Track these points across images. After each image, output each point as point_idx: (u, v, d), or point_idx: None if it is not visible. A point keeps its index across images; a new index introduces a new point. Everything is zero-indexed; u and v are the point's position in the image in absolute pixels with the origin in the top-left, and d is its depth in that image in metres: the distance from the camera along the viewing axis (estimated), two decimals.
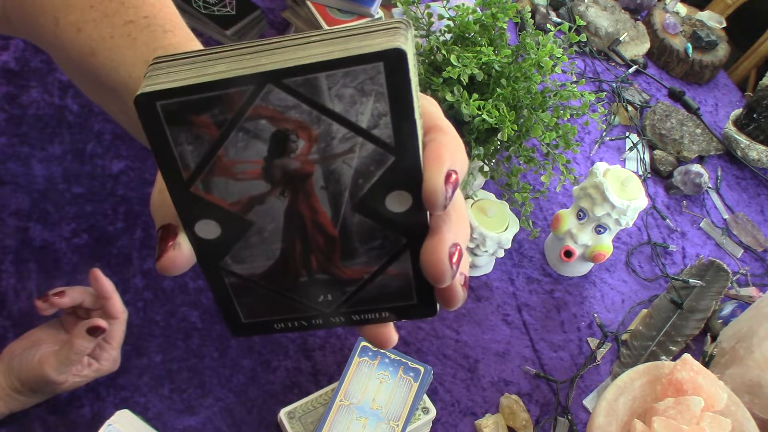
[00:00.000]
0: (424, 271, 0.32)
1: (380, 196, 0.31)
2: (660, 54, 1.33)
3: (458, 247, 0.32)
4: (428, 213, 0.32)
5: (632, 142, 1.16)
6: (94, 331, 0.64)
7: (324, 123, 0.29)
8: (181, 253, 0.32)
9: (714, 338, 0.91)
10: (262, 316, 0.36)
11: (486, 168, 0.86)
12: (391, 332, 0.36)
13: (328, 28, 0.31)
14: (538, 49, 0.82)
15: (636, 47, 1.30)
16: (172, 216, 0.32)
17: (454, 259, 0.32)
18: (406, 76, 0.28)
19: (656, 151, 1.16)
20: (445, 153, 0.31)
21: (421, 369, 0.75)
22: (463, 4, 0.85)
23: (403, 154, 0.30)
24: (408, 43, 0.28)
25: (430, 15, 0.87)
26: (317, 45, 0.28)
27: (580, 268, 0.96)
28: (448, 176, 0.30)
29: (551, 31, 0.86)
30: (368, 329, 0.37)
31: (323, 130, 0.29)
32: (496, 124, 0.78)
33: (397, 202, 0.31)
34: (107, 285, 0.67)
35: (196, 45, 0.46)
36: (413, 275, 0.34)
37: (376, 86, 0.28)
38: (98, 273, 0.67)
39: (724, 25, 1.40)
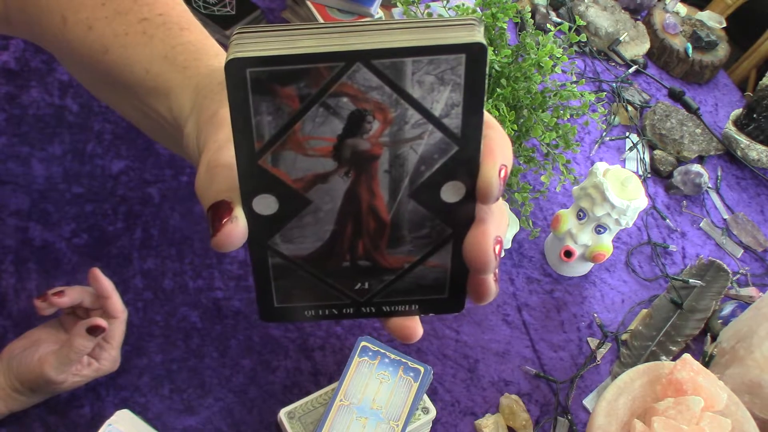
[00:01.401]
0: (468, 259, 0.33)
1: (437, 184, 0.32)
2: (660, 54, 1.33)
3: (500, 239, 0.33)
4: (475, 206, 0.33)
5: (632, 142, 1.16)
6: (94, 331, 0.64)
7: (401, 107, 0.30)
8: (238, 226, 0.32)
9: (714, 338, 0.91)
10: (295, 302, 0.36)
11: None
12: (417, 325, 0.37)
13: (405, 18, 0.32)
14: (538, 49, 0.82)
15: (636, 47, 1.30)
16: (223, 192, 0.32)
17: (497, 250, 0.33)
18: (483, 70, 0.29)
19: (656, 151, 1.16)
20: (497, 148, 0.32)
21: (421, 369, 0.75)
22: (463, 4, 0.85)
23: (467, 145, 0.31)
24: (484, 39, 0.29)
25: (430, 15, 0.87)
26: (399, 32, 0.28)
27: (580, 268, 0.96)
28: (499, 170, 0.31)
29: (551, 31, 0.86)
30: (395, 322, 0.37)
31: (399, 113, 0.30)
32: None
33: (451, 192, 0.32)
34: (107, 284, 0.67)
35: (212, 42, 0.46)
36: (450, 268, 0.35)
37: (454, 77, 0.29)
38: (98, 272, 0.67)
39: (724, 25, 1.40)
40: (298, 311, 0.36)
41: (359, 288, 0.36)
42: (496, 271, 0.35)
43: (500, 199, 0.34)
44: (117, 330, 0.69)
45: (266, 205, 0.32)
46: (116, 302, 0.68)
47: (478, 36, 0.28)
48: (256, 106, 0.29)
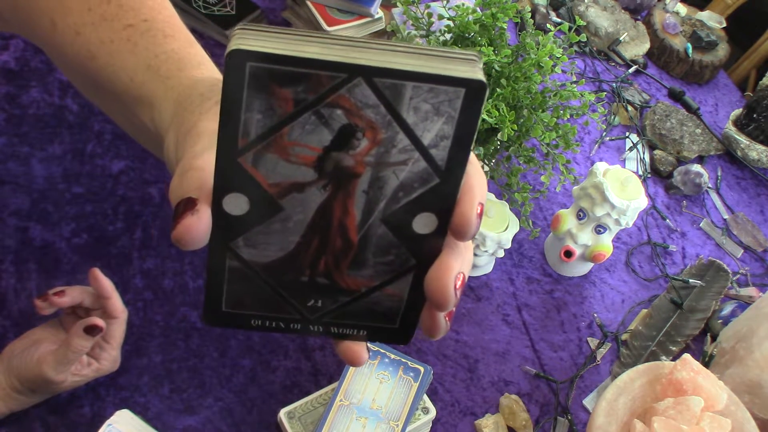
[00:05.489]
0: (429, 293, 0.33)
1: (411, 213, 0.32)
2: (660, 54, 1.33)
3: (463, 275, 0.33)
4: (444, 241, 0.33)
5: (632, 142, 1.16)
6: (92, 330, 0.64)
7: (392, 129, 0.29)
8: (200, 220, 0.31)
9: (714, 338, 0.91)
10: (244, 309, 0.35)
11: (486, 168, 0.86)
12: (364, 350, 0.37)
13: (409, 43, 0.32)
14: (538, 49, 0.82)
15: (636, 47, 1.30)
16: (192, 191, 0.32)
17: (458, 287, 0.32)
18: (479, 109, 0.29)
19: (656, 151, 1.16)
20: (476, 186, 0.32)
21: (421, 369, 0.75)
22: (463, 4, 0.85)
23: (448, 180, 0.31)
24: (484, 77, 0.29)
25: (430, 15, 0.87)
26: (402, 55, 0.28)
27: (580, 268, 0.96)
28: (477, 208, 0.31)
29: (551, 31, 0.86)
30: (342, 344, 0.37)
31: (389, 136, 0.30)
32: (496, 124, 0.78)
33: (423, 224, 0.32)
34: (107, 284, 0.67)
35: (197, 49, 0.46)
36: (407, 299, 0.35)
37: (450, 109, 0.29)
38: (98, 272, 0.66)
39: (724, 25, 1.40)
40: (244, 318, 0.36)
41: (312, 305, 0.35)
42: (454, 308, 0.35)
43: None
44: (117, 330, 0.69)
45: (237, 205, 0.31)
46: (116, 302, 0.68)
47: (479, 73, 0.28)
48: (249, 101, 0.28)
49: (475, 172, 0.32)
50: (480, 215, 0.32)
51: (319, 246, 0.33)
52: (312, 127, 0.29)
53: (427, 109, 0.29)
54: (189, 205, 0.31)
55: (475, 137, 0.30)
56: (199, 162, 0.34)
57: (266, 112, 0.29)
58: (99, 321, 0.64)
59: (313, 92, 0.28)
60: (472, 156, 0.33)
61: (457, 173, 0.31)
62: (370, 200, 0.31)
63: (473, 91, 0.28)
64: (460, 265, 0.33)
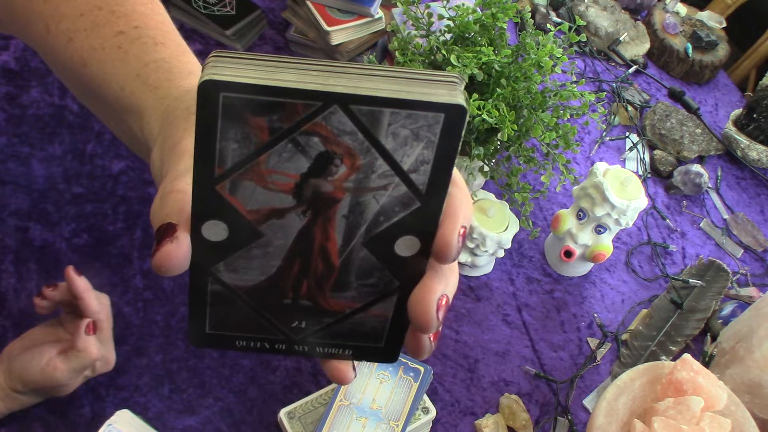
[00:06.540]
0: (411, 316, 0.33)
1: (393, 237, 0.32)
2: (660, 54, 1.33)
3: (446, 298, 0.33)
4: (427, 263, 0.33)
5: (632, 142, 1.16)
6: (89, 329, 0.65)
7: (371, 155, 0.29)
8: (179, 247, 0.31)
9: (714, 338, 0.91)
10: (228, 330, 0.35)
11: (486, 168, 0.86)
12: (350, 369, 0.37)
13: (389, 66, 0.31)
14: (538, 49, 0.82)
15: (636, 47, 1.30)
16: (172, 215, 0.32)
17: (441, 309, 0.32)
18: (459, 133, 0.29)
19: (656, 151, 1.16)
20: (460, 209, 0.32)
21: (421, 369, 0.75)
22: (463, 4, 0.85)
23: (429, 203, 0.31)
24: (464, 100, 0.28)
25: (430, 15, 0.87)
26: (381, 80, 0.28)
27: (580, 268, 0.96)
28: (459, 232, 0.31)
29: (551, 31, 0.86)
30: (329, 363, 0.37)
31: (367, 162, 0.29)
32: (496, 124, 0.78)
33: (405, 247, 0.32)
34: (79, 284, 0.65)
35: (189, 56, 0.46)
36: (391, 319, 0.35)
37: (429, 134, 0.28)
38: (71, 272, 0.65)
39: (724, 25, 1.40)
40: (229, 340, 0.36)
41: (296, 326, 0.35)
42: (439, 329, 0.35)
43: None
44: (103, 325, 0.67)
45: (216, 231, 0.31)
46: (88, 303, 0.65)
47: (459, 97, 0.28)
48: (224, 131, 0.28)
49: (459, 194, 0.32)
50: (463, 237, 0.32)
51: (301, 270, 0.33)
52: (289, 155, 0.29)
53: (406, 135, 0.28)
54: (168, 231, 0.31)
55: (455, 160, 0.30)
56: (180, 184, 0.34)
57: (242, 141, 0.28)
58: (88, 320, 0.65)
59: (289, 121, 0.28)
60: (458, 177, 0.33)
61: (438, 196, 0.31)
62: (351, 225, 0.31)
63: (453, 116, 0.28)
64: (443, 287, 0.32)
